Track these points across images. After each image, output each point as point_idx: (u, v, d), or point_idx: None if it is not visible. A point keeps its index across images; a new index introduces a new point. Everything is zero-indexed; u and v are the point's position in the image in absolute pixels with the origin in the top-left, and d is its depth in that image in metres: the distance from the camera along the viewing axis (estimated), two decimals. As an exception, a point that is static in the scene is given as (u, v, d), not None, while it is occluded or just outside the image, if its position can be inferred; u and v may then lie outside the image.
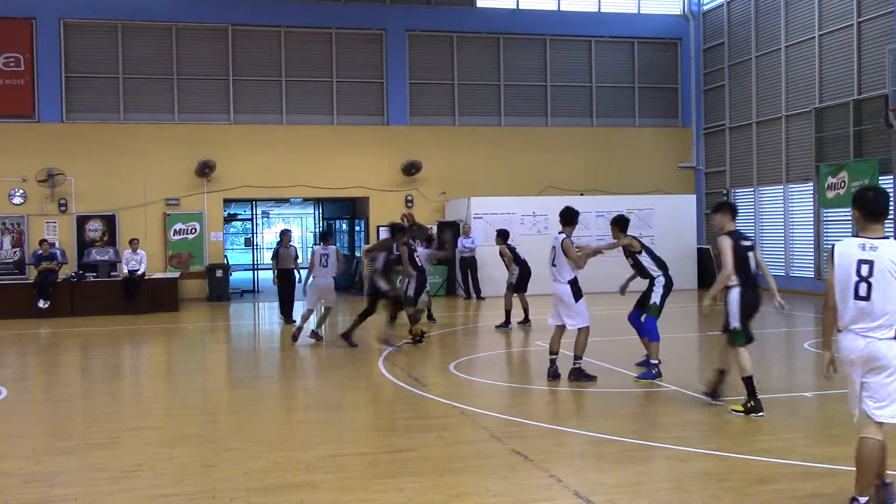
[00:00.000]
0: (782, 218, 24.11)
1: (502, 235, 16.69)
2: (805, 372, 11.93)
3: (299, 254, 19.78)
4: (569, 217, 10.48)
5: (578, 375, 10.26)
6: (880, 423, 5.36)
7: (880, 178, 20.13)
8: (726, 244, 8.59)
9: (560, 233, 10.42)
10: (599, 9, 27.26)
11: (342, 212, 29.04)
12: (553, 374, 10.41)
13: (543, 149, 26.24)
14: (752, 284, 8.70)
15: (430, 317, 17.06)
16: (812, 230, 22.78)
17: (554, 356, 10.45)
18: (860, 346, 5.34)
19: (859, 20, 21.13)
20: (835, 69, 22.04)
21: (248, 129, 24.60)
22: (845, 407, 9.10)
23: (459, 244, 23.21)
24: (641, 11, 27.57)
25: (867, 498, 5.34)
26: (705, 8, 27.44)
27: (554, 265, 10.36)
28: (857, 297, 5.34)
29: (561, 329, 10.43)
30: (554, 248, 10.39)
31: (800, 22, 23.18)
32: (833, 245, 5.61)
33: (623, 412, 9.14)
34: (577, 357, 10.28)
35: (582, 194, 25.38)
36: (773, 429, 8.02)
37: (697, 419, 8.57)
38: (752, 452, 6.99)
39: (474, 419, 8.54)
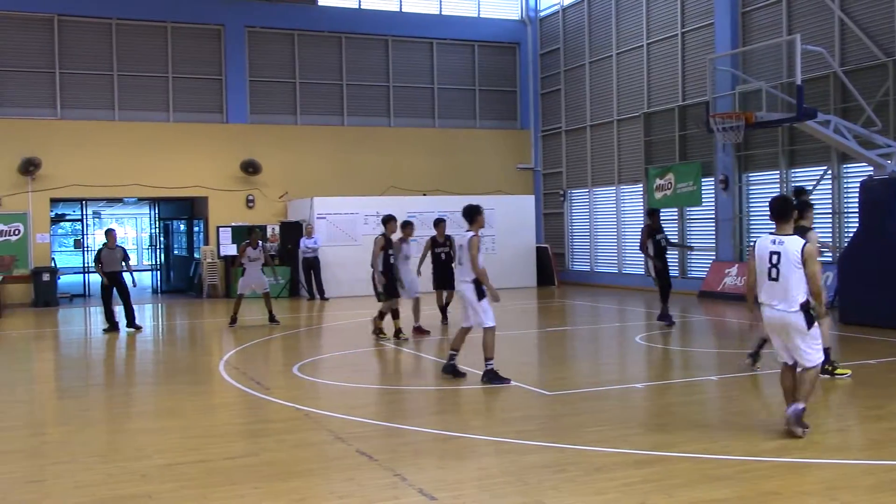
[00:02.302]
0: (615, 217, 25.18)
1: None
2: (636, 364, 12.48)
3: (130, 255, 18.49)
4: (471, 214, 10.27)
5: (491, 377, 10.03)
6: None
7: (703, 179, 21.39)
8: None
9: (467, 230, 10.24)
10: (441, 11, 27.62)
11: (179, 212, 28.08)
12: (450, 370, 10.40)
13: (386, 149, 26.34)
14: None
15: (271, 319, 16.74)
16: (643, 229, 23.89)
17: (454, 352, 10.43)
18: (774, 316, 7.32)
19: (683, 31, 22.37)
20: (662, 76, 23.23)
21: (76, 126, 23.41)
22: (673, 397, 9.63)
23: (302, 244, 22.95)
24: (481, 15, 28.13)
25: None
26: (542, 14, 28.30)
27: (461, 264, 10.24)
28: (769, 278, 7.26)
29: (466, 330, 10.38)
30: (462, 246, 10.20)
31: (629, 30, 24.29)
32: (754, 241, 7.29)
33: (465, 408, 9.29)
34: (489, 358, 10.07)
35: (425, 194, 25.64)
36: (607, 420, 8.35)
37: (537, 413, 8.82)
38: (587, 443, 7.25)
39: (318, 421, 8.45)
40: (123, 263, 16.41)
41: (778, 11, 19.64)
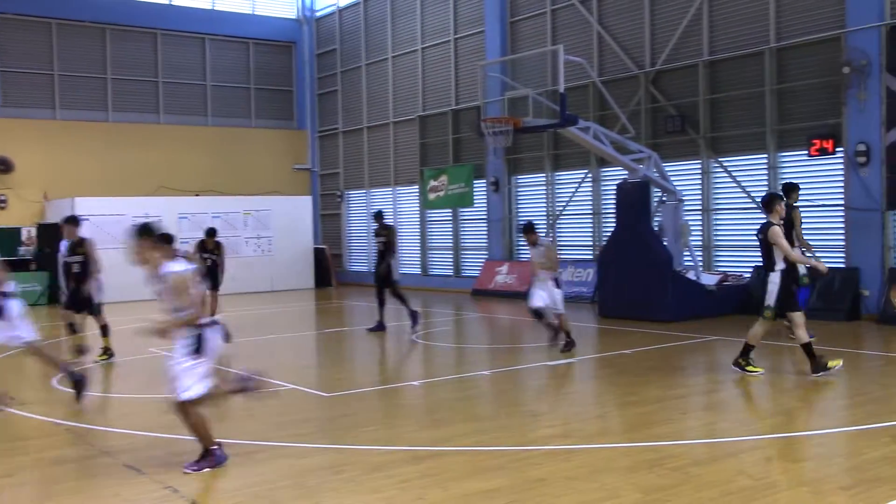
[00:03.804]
0: (392, 218, 25.51)
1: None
2: (413, 362, 12.71)
3: None
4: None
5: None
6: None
7: (475, 181, 22.16)
8: None
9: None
10: (213, 6, 26.83)
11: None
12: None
13: (156, 147, 25.24)
14: None
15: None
16: (418, 229, 24.41)
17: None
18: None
19: (456, 37, 23.05)
20: (436, 80, 23.82)
21: None
22: (448, 393, 9.88)
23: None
24: (256, 13, 27.60)
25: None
26: (318, 14, 28.19)
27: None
28: None
29: None
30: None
31: (405, 34, 24.72)
32: None
33: (240, 414, 9.04)
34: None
35: (198, 195, 24.82)
36: (384, 418, 8.45)
37: (315, 415, 8.76)
38: (365, 442, 7.29)
39: (81, 435, 7.94)
40: None
41: (543, 23, 20.69)
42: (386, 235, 14.80)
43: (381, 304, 14.81)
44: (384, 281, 14.67)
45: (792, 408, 8.78)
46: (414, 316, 14.81)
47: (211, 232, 15.62)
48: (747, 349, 9.96)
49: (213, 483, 6.40)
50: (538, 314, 12.15)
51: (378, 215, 15.29)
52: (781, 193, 10.87)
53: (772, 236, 9.59)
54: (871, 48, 14.45)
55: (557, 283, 11.99)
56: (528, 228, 12.29)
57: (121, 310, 19.82)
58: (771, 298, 9.66)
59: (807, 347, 9.59)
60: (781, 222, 9.81)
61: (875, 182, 14.46)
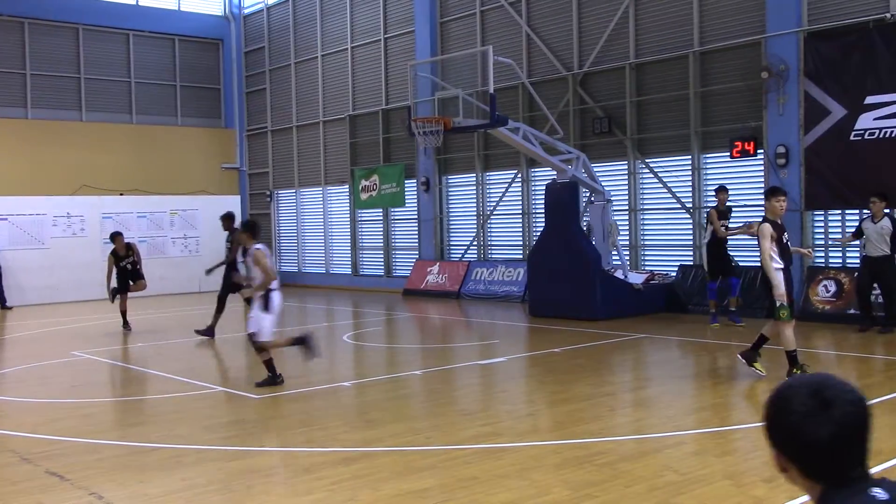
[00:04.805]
0: (322, 218, 25.36)
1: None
2: (344, 363, 12.64)
3: None
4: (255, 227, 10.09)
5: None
6: None
7: (406, 181, 22.16)
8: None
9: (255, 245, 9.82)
10: (137, 1, 26.25)
11: None
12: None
13: (78, 145, 24.58)
14: None
15: None
16: (349, 229, 24.30)
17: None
18: None
19: (386, 36, 23.00)
20: (366, 80, 23.72)
21: None
22: (379, 393, 9.87)
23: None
24: (182, 9, 27.10)
25: None
26: (246, 11, 27.82)
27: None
28: None
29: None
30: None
31: (334, 33, 24.56)
32: None
33: (168, 418, 8.89)
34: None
35: (122, 194, 24.28)
36: (315, 420, 8.38)
37: (244, 417, 8.65)
38: (295, 445, 7.24)
39: None
40: None
41: (472, 23, 20.78)
42: (235, 240, 14.60)
43: (221, 310, 14.55)
44: (235, 286, 13.89)
45: (716, 403, 9.00)
46: (211, 331, 14.40)
47: (116, 235, 15.52)
48: (791, 359, 9.22)
49: (140, 488, 6.27)
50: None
51: (228, 217, 15.04)
52: (779, 188, 9.69)
53: (758, 232, 9.11)
54: (790, 53, 14.90)
55: (266, 305, 9.68)
56: (245, 227, 10.27)
57: (39, 312, 19.33)
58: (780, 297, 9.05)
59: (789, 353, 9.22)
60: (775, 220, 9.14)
61: (794, 183, 14.91)
